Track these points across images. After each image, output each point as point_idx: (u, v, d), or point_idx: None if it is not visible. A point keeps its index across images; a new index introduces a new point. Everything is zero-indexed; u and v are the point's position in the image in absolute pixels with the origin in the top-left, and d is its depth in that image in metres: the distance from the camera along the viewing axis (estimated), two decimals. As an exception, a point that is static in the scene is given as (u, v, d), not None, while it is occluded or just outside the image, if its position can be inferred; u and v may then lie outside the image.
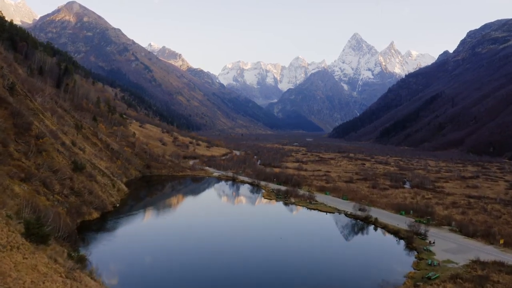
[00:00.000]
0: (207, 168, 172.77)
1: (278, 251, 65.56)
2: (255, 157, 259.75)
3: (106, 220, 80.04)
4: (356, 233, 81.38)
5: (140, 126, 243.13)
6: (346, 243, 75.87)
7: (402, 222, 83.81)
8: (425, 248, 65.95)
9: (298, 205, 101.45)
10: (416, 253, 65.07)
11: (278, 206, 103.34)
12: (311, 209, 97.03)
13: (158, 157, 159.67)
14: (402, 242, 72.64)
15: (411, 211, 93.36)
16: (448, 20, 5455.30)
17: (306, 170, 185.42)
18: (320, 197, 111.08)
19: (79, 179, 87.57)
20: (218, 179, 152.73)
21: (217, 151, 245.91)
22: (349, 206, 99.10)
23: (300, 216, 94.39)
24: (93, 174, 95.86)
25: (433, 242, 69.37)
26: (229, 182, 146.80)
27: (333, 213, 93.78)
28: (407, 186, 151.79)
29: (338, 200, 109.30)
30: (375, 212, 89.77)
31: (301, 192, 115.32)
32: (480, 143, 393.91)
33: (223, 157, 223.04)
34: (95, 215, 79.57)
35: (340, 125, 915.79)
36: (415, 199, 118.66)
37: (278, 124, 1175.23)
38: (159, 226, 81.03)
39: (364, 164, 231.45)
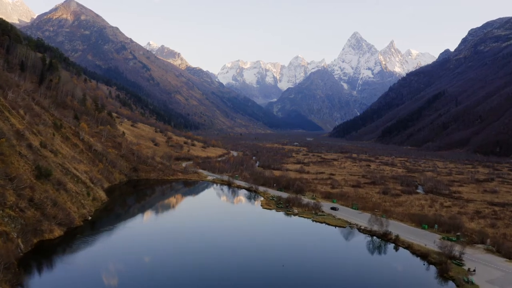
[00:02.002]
0: (200, 171, 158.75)
1: (280, 279, 51.89)
2: (253, 158, 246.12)
3: (71, 238, 66.11)
4: (373, 254, 67.36)
5: (131, 126, 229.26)
6: (361, 269, 60.44)
7: (427, 239, 70.15)
8: (465, 279, 52.14)
9: (302, 216, 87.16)
10: (454, 286, 51.28)
11: (278, 217, 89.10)
12: (317, 221, 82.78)
13: (147, 159, 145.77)
14: (433, 267, 58.65)
15: (436, 226, 79.20)
16: (448, 19, 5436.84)
17: (308, 172, 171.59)
18: (326, 206, 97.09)
19: (43, 188, 73.73)
20: (213, 183, 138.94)
21: (213, 152, 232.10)
22: (361, 218, 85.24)
23: (305, 231, 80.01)
24: (62, 181, 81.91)
25: (474, 270, 55.56)
26: (224, 187, 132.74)
27: (344, 227, 79.48)
28: (420, 191, 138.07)
29: (348, 210, 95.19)
30: (392, 226, 75.73)
31: (305, 199, 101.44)
32: (486, 143, 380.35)
33: (219, 158, 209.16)
34: (58, 232, 65.64)
35: (341, 124, 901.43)
36: (434, 207, 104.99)
37: (277, 124, 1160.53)
38: (135, 248, 66.34)
39: (370, 166, 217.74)
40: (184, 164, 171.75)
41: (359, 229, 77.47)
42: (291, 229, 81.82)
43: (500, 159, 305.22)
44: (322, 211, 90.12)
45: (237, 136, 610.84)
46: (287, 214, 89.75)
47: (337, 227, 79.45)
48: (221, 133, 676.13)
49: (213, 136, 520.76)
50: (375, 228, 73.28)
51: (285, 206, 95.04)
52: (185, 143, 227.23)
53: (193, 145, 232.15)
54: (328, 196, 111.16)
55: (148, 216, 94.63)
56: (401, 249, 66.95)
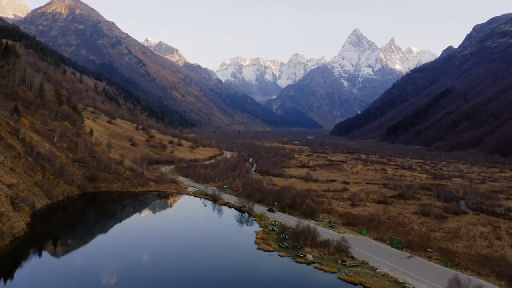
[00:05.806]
0: (181, 179, 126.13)
1: None
2: (250, 160, 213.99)
3: None
4: None
5: (108, 122, 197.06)
6: None
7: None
8: None
9: (321, 268, 53.61)
10: None
11: (283, 269, 55.20)
12: (347, 281, 49.13)
13: (110, 165, 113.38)
14: None
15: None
16: (448, 18, 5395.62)
17: (317, 180, 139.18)
18: (354, 243, 63.41)
19: None
20: (194, 197, 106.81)
21: (202, 153, 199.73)
22: (414, 270, 53.16)
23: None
24: None
25: None
26: (208, 204, 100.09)
27: (395, 294, 47.18)
28: (463, 207, 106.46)
29: (387, 249, 62.76)
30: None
31: (321, 230, 68.84)
32: (502, 142, 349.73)
33: (209, 161, 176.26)
34: None
35: (342, 122, 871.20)
36: (503, 239, 73.23)
37: (277, 121, 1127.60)
38: None
39: (386, 170, 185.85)
40: (164, 169, 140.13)
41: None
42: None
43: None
44: (352, 257, 57.34)
45: (235, 134, 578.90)
46: (296, 260, 56.85)
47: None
48: (219, 130, 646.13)
49: (209, 133, 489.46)
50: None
51: (293, 245, 62.42)
52: (170, 142, 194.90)
53: (179, 145, 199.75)
54: (351, 222, 77.97)
55: (67, 269, 54.96)
56: None
